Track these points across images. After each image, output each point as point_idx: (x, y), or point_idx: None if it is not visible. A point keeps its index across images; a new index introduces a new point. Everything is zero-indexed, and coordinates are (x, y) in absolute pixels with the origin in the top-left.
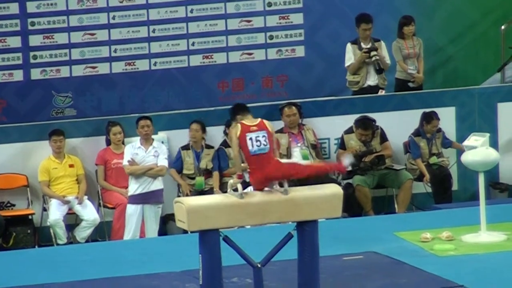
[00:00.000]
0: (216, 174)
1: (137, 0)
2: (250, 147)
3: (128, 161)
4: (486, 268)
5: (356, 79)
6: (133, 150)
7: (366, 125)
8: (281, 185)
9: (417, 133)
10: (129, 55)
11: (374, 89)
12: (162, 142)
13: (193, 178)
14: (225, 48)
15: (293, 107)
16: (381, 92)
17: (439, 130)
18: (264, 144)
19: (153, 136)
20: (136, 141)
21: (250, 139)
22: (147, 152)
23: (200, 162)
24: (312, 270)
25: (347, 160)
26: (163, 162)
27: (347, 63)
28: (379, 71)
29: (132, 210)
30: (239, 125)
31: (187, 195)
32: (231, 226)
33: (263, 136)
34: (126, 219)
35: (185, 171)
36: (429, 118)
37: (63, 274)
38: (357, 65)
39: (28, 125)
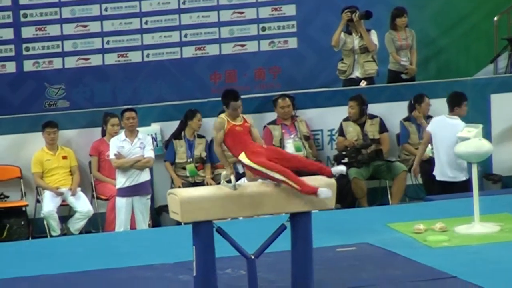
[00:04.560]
0: (208, 165)
1: None
2: None
3: (115, 155)
4: (479, 259)
5: (343, 68)
6: (119, 143)
7: (355, 97)
8: None
9: (407, 118)
10: (122, 47)
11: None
12: (155, 134)
13: (185, 168)
14: (218, 40)
15: (287, 99)
16: (363, 83)
17: (430, 116)
18: None
19: (146, 128)
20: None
21: None
22: (133, 144)
23: (194, 150)
24: (305, 261)
25: (338, 169)
26: (149, 153)
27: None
28: (366, 16)
29: (122, 203)
30: (225, 122)
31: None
32: (224, 217)
33: None
34: (116, 212)
35: (177, 160)
36: (420, 98)
37: (57, 265)
38: (339, 31)
39: (21, 116)
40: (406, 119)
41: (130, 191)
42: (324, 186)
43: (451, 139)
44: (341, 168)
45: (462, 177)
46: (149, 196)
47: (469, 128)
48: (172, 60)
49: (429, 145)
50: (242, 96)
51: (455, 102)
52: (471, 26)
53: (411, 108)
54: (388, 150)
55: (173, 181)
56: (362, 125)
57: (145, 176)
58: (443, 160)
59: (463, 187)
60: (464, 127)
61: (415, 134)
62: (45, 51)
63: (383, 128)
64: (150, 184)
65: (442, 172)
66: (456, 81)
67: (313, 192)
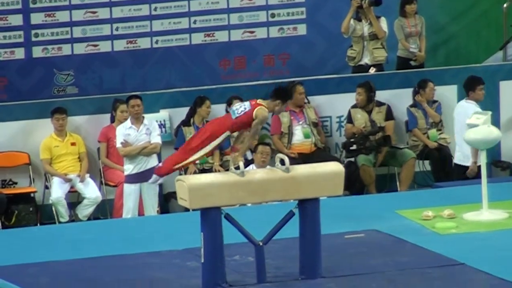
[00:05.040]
0: (216, 151)
1: None
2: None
3: (121, 143)
4: (487, 246)
5: (353, 54)
6: (125, 131)
7: (363, 84)
8: (282, 163)
9: (413, 105)
10: (131, 33)
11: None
12: (164, 121)
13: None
14: (227, 26)
15: (302, 86)
16: (372, 70)
17: (435, 101)
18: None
19: (155, 115)
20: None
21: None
22: (139, 131)
23: None
24: (313, 248)
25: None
26: (156, 139)
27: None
28: (376, 3)
29: (130, 190)
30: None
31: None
32: (232, 204)
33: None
34: (124, 198)
35: None
36: (423, 83)
37: (65, 252)
38: (349, 18)
39: (30, 103)
40: (412, 105)
41: (138, 178)
42: (332, 174)
43: (463, 123)
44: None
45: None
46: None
47: (478, 115)
48: (181, 46)
49: (435, 131)
50: (251, 83)
51: (469, 87)
52: (480, 13)
53: (415, 94)
54: (393, 138)
55: (187, 168)
56: (369, 112)
57: (153, 162)
58: (458, 143)
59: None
60: (473, 113)
61: (423, 119)
62: (54, 38)
63: (389, 116)
64: None
65: (458, 156)
66: (465, 68)
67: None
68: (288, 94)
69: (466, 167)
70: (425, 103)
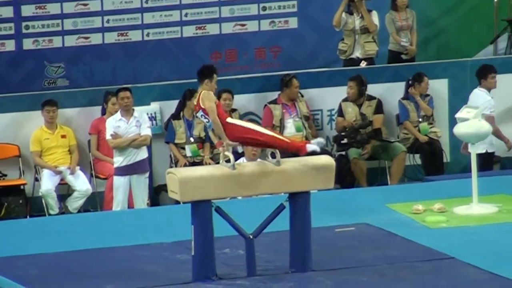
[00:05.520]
0: (207, 144)
1: None
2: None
3: (111, 135)
4: (477, 240)
5: (344, 48)
6: (115, 123)
7: (354, 77)
8: (273, 156)
9: (405, 97)
10: (122, 26)
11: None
12: (154, 113)
13: (183, 148)
14: (218, 19)
15: (297, 79)
16: (363, 64)
17: (427, 95)
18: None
19: (146, 107)
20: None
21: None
22: (129, 123)
23: (193, 131)
24: (304, 241)
25: (314, 145)
26: (146, 131)
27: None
28: None
29: (120, 182)
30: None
31: None
32: (223, 197)
33: (201, 115)
34: (114, 191)
35: (177, 141)
36: (419, 77)
37: (55, 244)
38: (340, 11)
39: (20, 95)
40: (404, 98)
41: (128, 170)
42: (323, 168)
43: None
44: (318, 144)
45: (483, 149)
46: (147, 174)
47: (469, 109)
48: (173, 39)
49: (426, 124)
50: (243, 76)
51: (480, 75)
52: (471, 7)
53: (408, 87)
54: (384, 131)
55: (178, 161)
56: (360, 106)
57: (142, 154)
58: None
59: (485, 159)
60: (464, 108)
61: (414, 112)
62: (45, 30)
63: (378, 110)
64: (148, 162)
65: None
66: (456, 62)
67: (301, 147)
68: (210, 69)
69: (480, 154)
70: (418, 96)
